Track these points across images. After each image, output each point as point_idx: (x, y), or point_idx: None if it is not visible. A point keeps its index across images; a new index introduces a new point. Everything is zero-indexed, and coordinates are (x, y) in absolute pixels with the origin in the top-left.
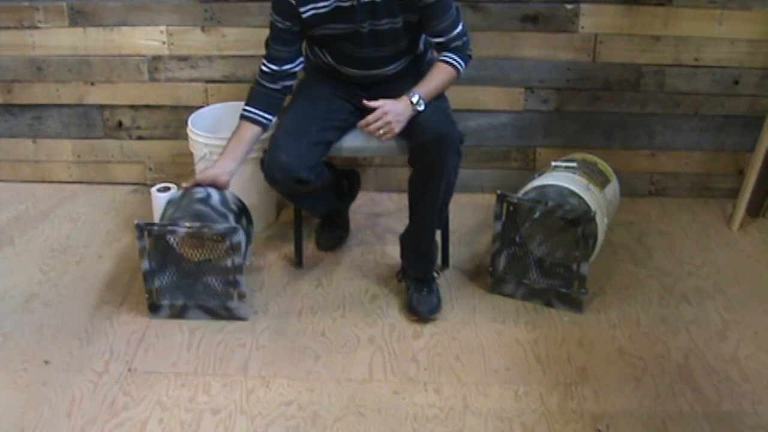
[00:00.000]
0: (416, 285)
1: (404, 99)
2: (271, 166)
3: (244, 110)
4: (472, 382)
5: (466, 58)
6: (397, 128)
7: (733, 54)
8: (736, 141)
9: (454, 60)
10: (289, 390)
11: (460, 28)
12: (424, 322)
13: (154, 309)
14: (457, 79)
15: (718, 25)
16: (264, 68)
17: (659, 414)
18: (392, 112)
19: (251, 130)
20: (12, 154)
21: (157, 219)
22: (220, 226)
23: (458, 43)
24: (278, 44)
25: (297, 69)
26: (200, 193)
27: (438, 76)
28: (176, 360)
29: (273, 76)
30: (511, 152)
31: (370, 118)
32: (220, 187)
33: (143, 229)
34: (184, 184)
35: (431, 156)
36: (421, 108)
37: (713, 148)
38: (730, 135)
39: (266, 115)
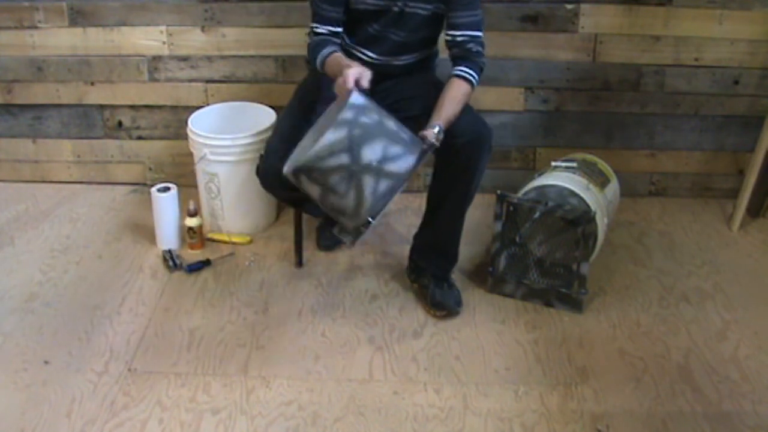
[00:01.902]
0: (436, 282)
1: (429, 133)
2: (265, 172)
3: (324, 52)
4: (472, 382)
5: (479, 70)
6: None
7: (733, 54)
8: (736, 141)
9: (470, 75)
10: (289, 390)
11: (480, 33)
12: (451, 316)
13: None
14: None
15: (718, 25)
16: (319, 30)
17: (659, 414)
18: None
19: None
20: (12, 154)
21: (157, 219)
22: None
23: (475, 46)
24: (326, 3)
25: (341, 33)
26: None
27: (456, 98)
28: (176, 360)
29: (332, 35)
30: (511, 152)
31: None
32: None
33: None
34: (353, 79)
35: (466, 157)
36: (441, 137)
37: (713, 148)
38: (730, 135)
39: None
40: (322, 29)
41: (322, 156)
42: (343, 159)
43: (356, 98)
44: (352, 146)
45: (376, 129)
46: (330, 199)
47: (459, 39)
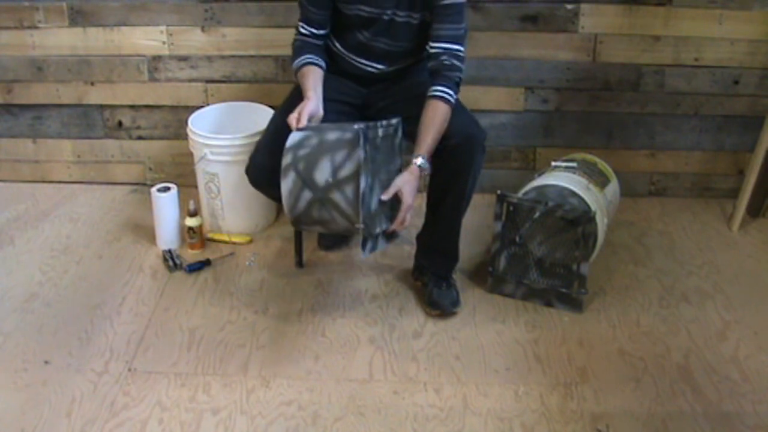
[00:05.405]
0: (435, 280)
1: (413, 170)
2: (253, 170)
3: (300, 60)
4: (472, 382)
5: (455, 86)
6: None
7: (733, 54)
8: (736, 141)
9: (447, 94)
10: (289, 390)
11: (462, 47)
12: (446, 316)
13: None
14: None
15: (718, 25)
16: (303, 30)
17: (659, 414)
18: (411, 195)
19: (317, 71)
20: (12, 154)
21: (157, 219)
22: None
23: (449, 59)
24: (310, 4)
25: (326, 34)
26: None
27: (436, 123)
28: (176, 360)
29: (314, 37)
30: (511, 152)
31: (398, 220)
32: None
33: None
34: (295, 122)
35: (459, 158)
36: (427, 168)
37: (713, 148)
38: (730, 135)
39: (321, 61)
40: (305, 30)
41: (292, 205)
42: (307, 195)
43: (290, 141)
44: (305, 181)
45: (317, 152)
46: (332, 227)
47: (437, 51)
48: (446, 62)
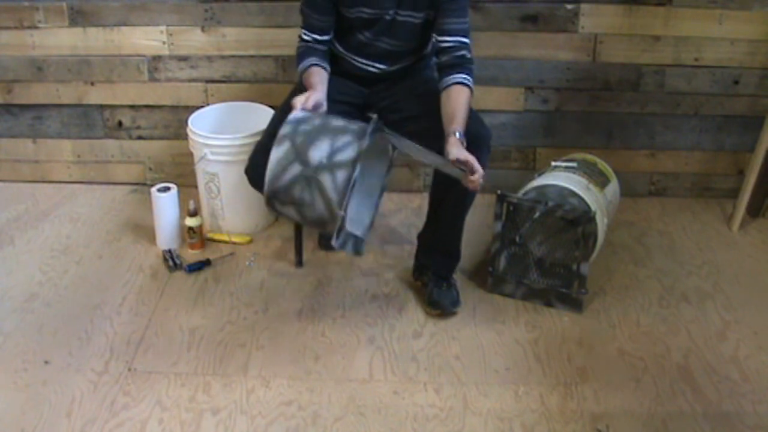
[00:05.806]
0: (435, 280)
1: (455, 141)
2: (252, 170)
3: (305, 63)
4: (472, 382)
5: (473, 76)
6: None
7: (733, 54)
8: (736, 141)
9: (468, 81)
10: (289, 390)
11: (469, 40)
12: (446, 316)
13: None
14: None
15: (718, 25)
16: (306, 36)
17: (659, 414)
18: (469, 154)
19: (323, 72)
20: (12, 154)
21: (157, 219)
22: None
23: (466, 53)
24: (314, 11)
25: (330, 39)
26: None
27: (465, 104)
28: (176, 360)
29: (317, 42)
30: (511, 152)
31: (474, 178)
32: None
33: None
34: (299, 103)
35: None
36: (464, 140)
37: (713, 148)
38: (730, 135)
39: (326, 64)
40: (308, 36)
41: (277, 174)
42: (295, 169)
43: (293, 115)
44: (299, 154)
45: (319, 130)
46: (306, 213)
47: (450, 45)
48: (467, 55)
